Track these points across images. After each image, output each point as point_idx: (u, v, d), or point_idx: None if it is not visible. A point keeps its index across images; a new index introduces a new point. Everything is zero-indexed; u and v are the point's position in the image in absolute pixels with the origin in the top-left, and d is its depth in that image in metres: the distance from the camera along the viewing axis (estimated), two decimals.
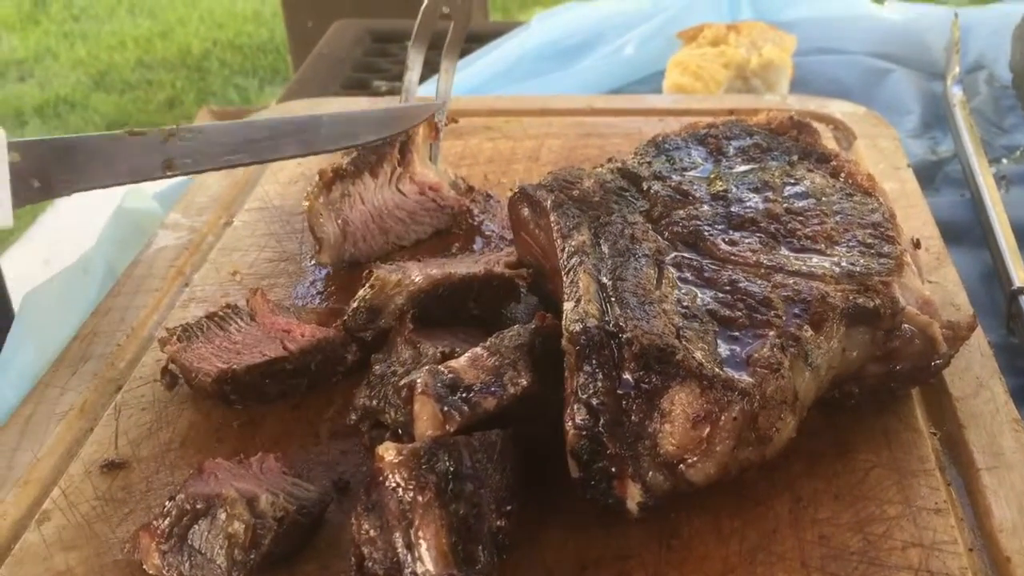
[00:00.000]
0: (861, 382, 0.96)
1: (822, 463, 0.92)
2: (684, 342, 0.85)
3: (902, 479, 0.90)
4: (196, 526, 0.83)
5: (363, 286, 1.07)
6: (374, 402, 0.97)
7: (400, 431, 0.94)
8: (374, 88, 2.07)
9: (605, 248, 0.97)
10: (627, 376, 0.83)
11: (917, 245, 1.07)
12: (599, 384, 0.83)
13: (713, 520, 0.87)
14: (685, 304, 0.90)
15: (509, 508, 0.82)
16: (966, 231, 1.42)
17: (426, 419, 0.85)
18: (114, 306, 1.20)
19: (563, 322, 0.88)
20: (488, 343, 0.91)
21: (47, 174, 1.00)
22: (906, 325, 0.94)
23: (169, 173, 1.07)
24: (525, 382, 0.87)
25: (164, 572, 0.82)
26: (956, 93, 1.72)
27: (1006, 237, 1.33)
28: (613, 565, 0.83)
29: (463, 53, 2.09)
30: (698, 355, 0.84)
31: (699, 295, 0.92)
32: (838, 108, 1.62)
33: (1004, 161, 1.64)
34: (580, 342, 0.84)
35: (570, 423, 0.83)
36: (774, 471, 0.90)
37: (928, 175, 1.58)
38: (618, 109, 1.66)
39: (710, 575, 0.82)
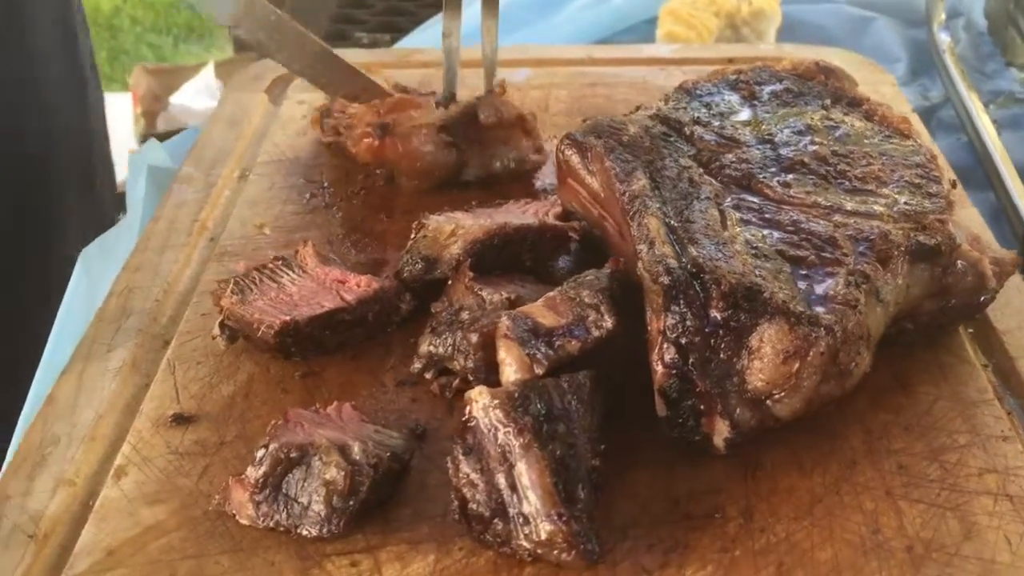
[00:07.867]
0: (915, 318, 0.99)
1: (886, 397, 0.95)
2: (764, 280, 0.87)
3: (965, 409, 0.93)
4: (291, 475, 0.82)
5: (415, 235, 1.06)
6: (440, 349, 0.97)
7: (470, 377, 0.95)
8: (355, 39, 2.04)
9: (665, 192, 0.98)
10: (715, 314, 0.84)
11: (954, 185, 1.10)
12: (688, 323, 0.84)
13: (792, 455, 0.89)
14: (755, 244, 0.92)
15: (603, 447, 0.83)
16: (967, 174, 1.46)
17: (513, 363, 0.85)
18: (144, 262, 1.18)
19: (640, 265, 0.89)
20: (563, 287, 0.92)
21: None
22: (960, 261, 0.97)
23: None
24: (610, 324, 0.88)
25: (259, 522, 0.82)
26: (944, 39, 1.75)
27: (1012, 177, 1.38)
28: (705, 498, 0.84)
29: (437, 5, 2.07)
30: (781, 293, 0.85)
31: (766, 235, 0.94)
32: (834, 56, 1.64)
33: (991, 107, 1.68)
34: (665, 283, 0.85)
35: (659, 363, 0.84)
36: (843, 406, 0.92)
37: (923, 121, 1.61)
38: (618, 59, 1.66)
39: (799, 505, 0.84)
